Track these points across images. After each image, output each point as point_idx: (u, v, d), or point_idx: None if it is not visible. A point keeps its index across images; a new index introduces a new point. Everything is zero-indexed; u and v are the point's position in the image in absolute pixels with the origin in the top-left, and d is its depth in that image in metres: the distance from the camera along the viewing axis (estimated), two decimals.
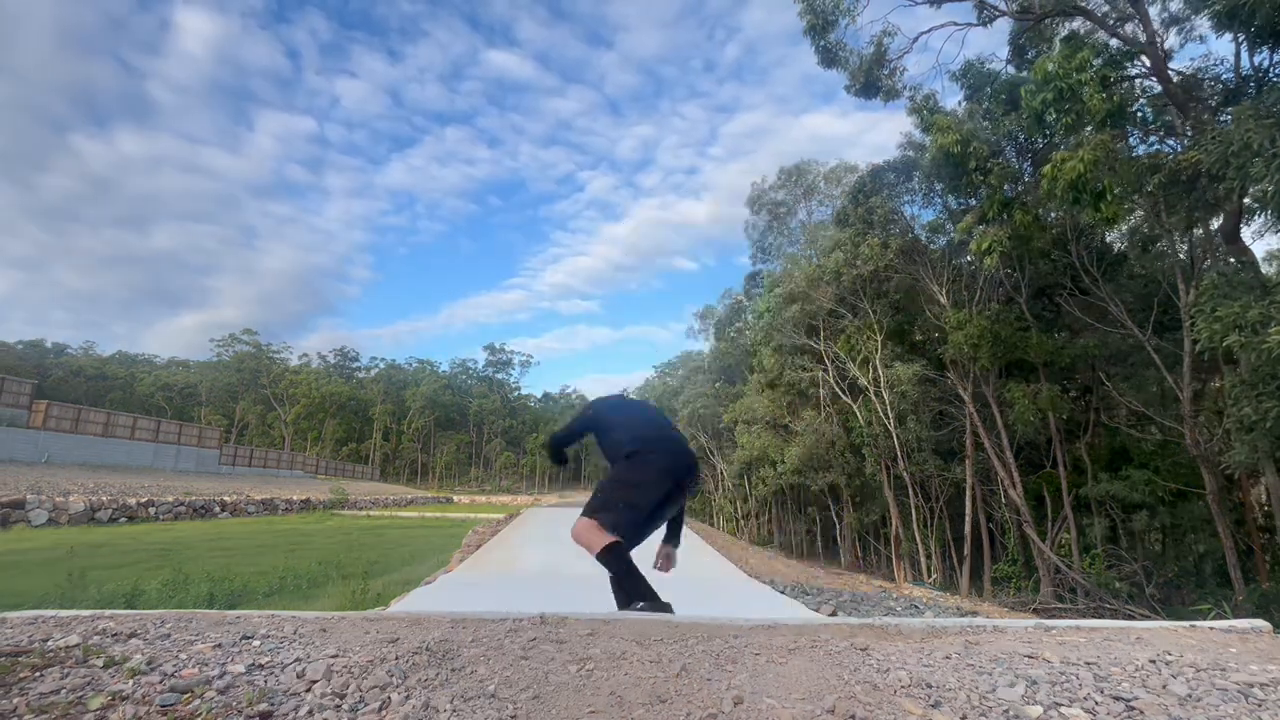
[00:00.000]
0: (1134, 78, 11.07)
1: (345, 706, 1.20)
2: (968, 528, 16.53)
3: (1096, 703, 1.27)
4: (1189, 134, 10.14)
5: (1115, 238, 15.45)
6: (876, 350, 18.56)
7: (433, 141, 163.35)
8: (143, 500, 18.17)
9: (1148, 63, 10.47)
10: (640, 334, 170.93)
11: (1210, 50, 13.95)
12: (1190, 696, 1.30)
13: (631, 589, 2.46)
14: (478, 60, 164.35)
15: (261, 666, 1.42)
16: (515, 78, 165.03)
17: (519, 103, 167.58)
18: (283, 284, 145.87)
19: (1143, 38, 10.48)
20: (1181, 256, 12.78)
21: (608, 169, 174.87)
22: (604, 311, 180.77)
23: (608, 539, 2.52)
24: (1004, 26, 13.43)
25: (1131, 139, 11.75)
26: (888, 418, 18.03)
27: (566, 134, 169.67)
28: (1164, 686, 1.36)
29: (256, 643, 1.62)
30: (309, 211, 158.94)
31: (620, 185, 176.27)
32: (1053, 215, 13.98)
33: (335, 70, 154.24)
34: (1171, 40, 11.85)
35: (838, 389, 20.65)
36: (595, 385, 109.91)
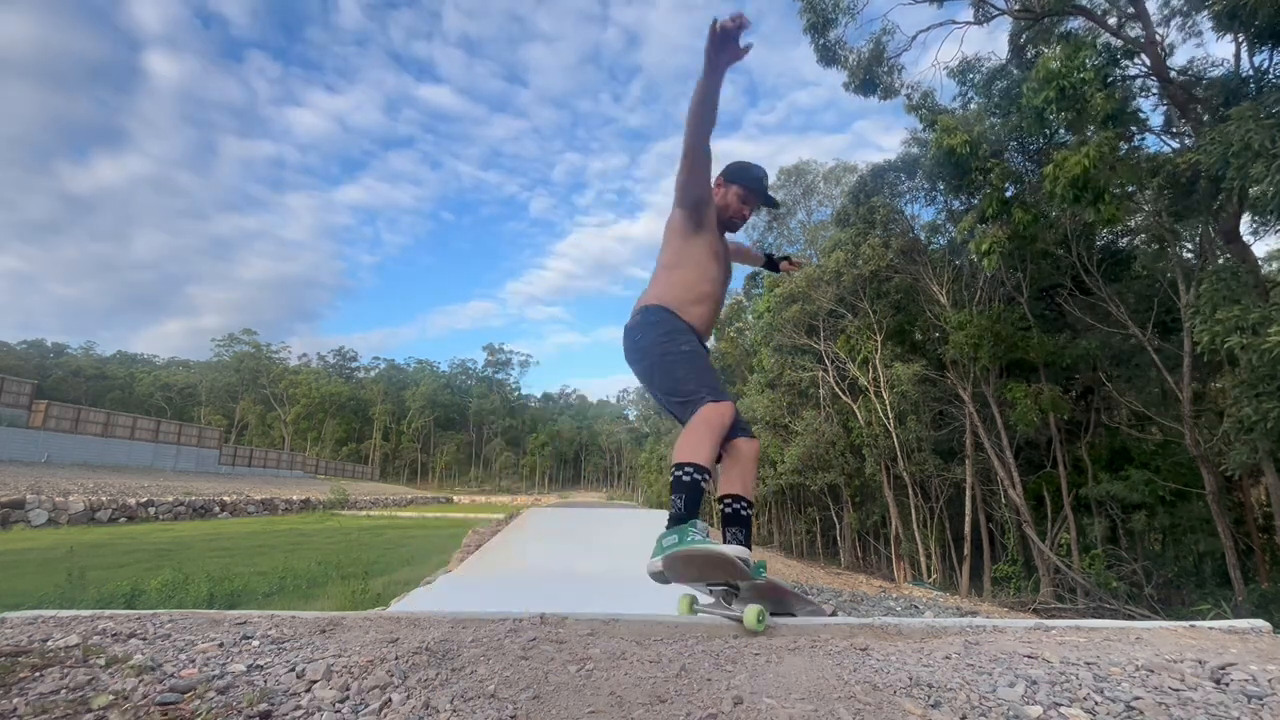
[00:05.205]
0: (1134, 77, 11.08)
1: (345, 706, 1.20)
2: (967, 528, 16.53)
3: (1096, 703, 1.27)
4: (1189, 134, 10.14)
5: (1115, 237, 15.46)
6: (876, 350, 18.56)
7: (379, 164, 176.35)
8: (142, 500, 18.18)
9: (1148, 62, 10.48)
10: (610, 337, 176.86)
11: (1208, 53, 13.96)
12: (1190, 697, 1.30)
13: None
14: (411, 93, 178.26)
15: (261, 667, 1.42)
16: (447, 108, 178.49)
17: (452, 130, 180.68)
18: (258, 293, 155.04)
19: (1143, 37, 10.49)
20: (1186, 255, 12.79)
21: (544, 190, 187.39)
22: (571, 317, 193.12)
23: None
24: (1002, 24, 13.45)
25: (1134, 139, 11.76)
26: (888, 418, 18.03)
27: (499, 159, 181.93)
28: (1164, 686, 1.36)
29: (256, 643, 1.62)
30: (277, 225, 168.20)
31: (558, 205, 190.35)
32: (1054, 214, 13.98)
33: (286, 101, 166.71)
34: (1172, 36, 11.87)
35: (838, 389, 20.65)
36: (570, 390, 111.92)
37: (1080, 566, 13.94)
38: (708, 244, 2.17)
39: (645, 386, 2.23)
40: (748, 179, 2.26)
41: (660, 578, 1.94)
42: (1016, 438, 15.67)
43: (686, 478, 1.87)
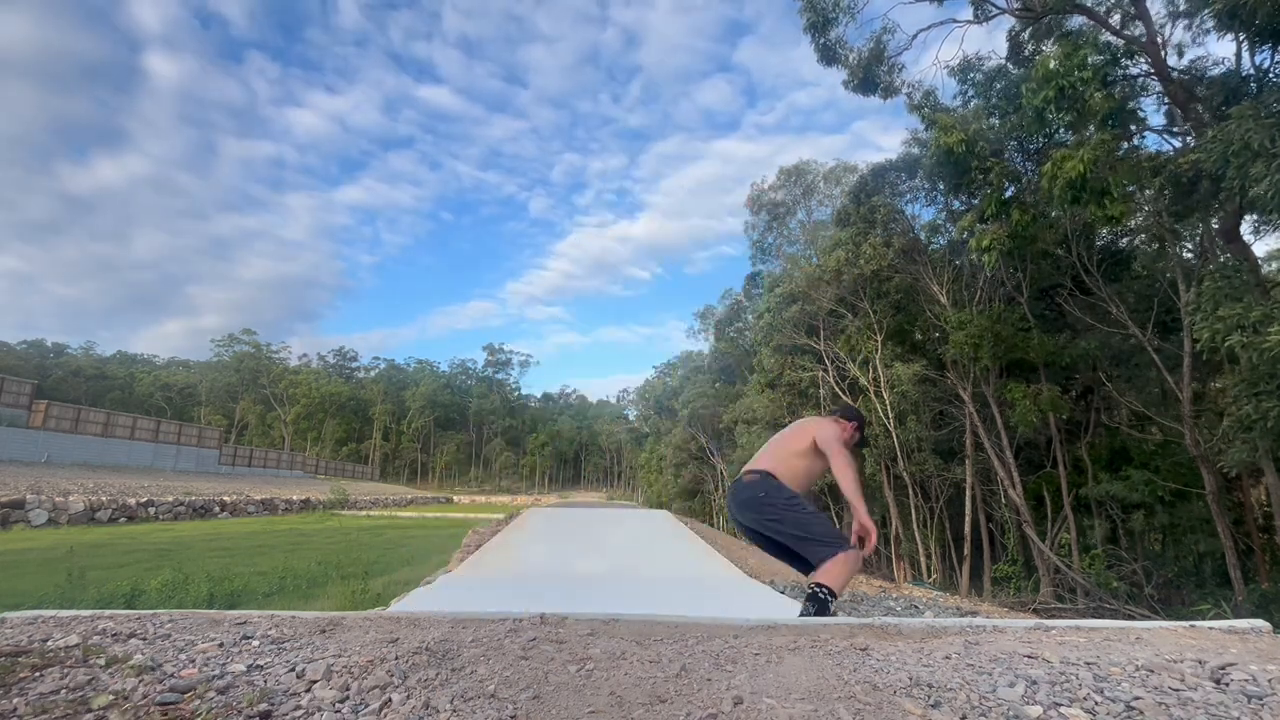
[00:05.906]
0: (1134, 77, 11.06)
1: (345, 706, 1.19)
2: (967, 528, 16.53)
3: (1096, 703, 1.27)
4: (1190, 133, 10.14)
5: (1115, 237, 15.45)
6: (876, 350, 18.55)
7: (379, 164, 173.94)
8: (142, 500, 18.17)
9: (1149, 61, 10.47)
10: (610, 337, 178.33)
11: (1209, 51, 13.93)
12: (1190, 697, 1.30)
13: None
14: (410, 93, 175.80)
15: (261, 667, 1.42)
16: (446, 109, 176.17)
17: (451, 130, 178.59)
18: (258, 293, 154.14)
19: (1144, 36, 10.48)
20: (1186, 255, 12.77)
21: (543, 191, 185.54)
22: (571, 317, 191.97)
23: None
24: (1003, 23, 13.44)
25: (1134, 138, 11.74)
26: (888, 418, 18.02)
27: (499, 159, 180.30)
28: (1164, 686, 1.36)
29: (256, 643, 1.62)
30: (277, 225, 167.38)
31: (557, 205, 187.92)
32: (1054, 214, 13.98)
33: (285, 102, 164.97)
34: (1179, 35, 11.85)
35: (838, 389, 20.63)
36: (570, 390, 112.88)
37: (1080, 566, 13.93)
38: (824, 462, 3.16)
39: (757, 522, 3.01)
40: (860, 424, 3.45)
41: None
42: (1016, 438, 15.66)
43: (822, 594, 2.59)
